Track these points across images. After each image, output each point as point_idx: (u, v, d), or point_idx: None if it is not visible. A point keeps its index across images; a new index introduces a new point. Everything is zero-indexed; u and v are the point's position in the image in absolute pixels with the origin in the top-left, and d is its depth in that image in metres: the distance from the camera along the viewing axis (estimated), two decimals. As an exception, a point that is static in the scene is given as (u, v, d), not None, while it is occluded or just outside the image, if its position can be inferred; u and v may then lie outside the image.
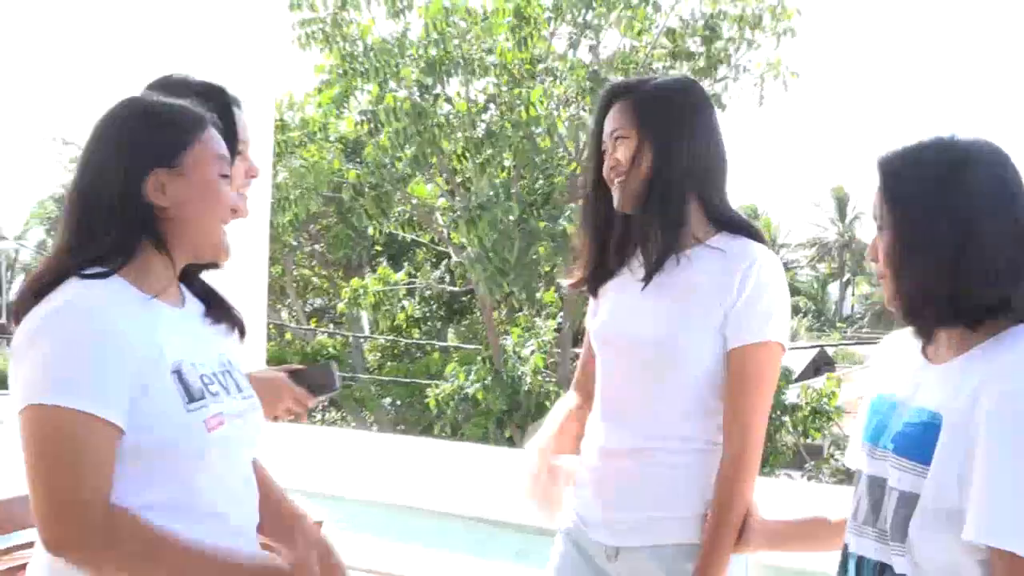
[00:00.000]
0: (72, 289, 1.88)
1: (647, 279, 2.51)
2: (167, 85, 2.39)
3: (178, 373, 1.91)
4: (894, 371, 2.18)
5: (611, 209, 2.58)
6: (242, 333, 2.18)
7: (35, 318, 1.86)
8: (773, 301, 2.48)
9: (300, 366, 2.63)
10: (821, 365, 27.72)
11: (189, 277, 2.10)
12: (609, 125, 2.56)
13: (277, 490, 2.20)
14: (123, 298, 1.91)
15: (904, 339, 2.19)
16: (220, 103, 2.39)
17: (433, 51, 17.48)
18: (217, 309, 2.12)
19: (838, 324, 38.57)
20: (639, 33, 17.93)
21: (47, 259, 1.96)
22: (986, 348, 1.99)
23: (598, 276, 2.67)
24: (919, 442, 2.01)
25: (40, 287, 1.90)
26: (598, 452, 2.60)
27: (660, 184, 2.49)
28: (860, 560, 2.12)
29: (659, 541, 2.51)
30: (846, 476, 18.10)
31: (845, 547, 2.18)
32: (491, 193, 17.06)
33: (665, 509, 2.50)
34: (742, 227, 2.56)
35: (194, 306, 2.09)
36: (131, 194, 1.94)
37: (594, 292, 2.69)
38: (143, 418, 1.85)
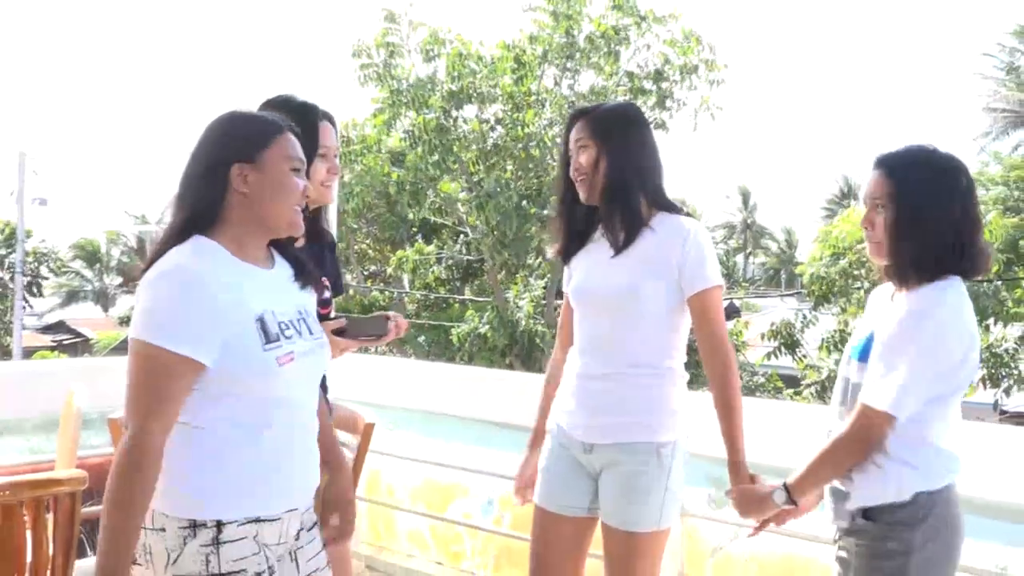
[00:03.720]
0: (183, 254, 1.83)
1: (620, 249, 2.49)
2: (275, 101, 2.40)
3: (260, 320, 1.85)
4: (875, 309, 2.24)
5: (577, 200, 2.56)
6: (329, 290, 2.19)
7: (152, 272, 1.83)
8: (709, 256, 2.48)
9: (362, 316, 2.57)
10: (731, 313, 28.01)
11: (282, 246, 2.02)
12: (573, 137, 2.54)
13: (327, 429, 2.13)
14: (221, 262, 1.85)
15: (883, 290, 2.25)
16: (309, 117, 2.39)
17: (453, 86, 17.67)
18: (302, 273, 2.03)
19: (742, 283, 38.63)
20: (608, 76, 18.04)
21: (164, 232, 1.90)
22: (915, 290, 2.07)
23: (570, 249, 2.63)
24: (865, 350, 2.13)
25: (160, 252, 1.87)
26: (577, 376, 2.57)
27: (615, 182, 2.48)
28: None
29: (624, 439, 2.47)
30: (749, 391, 18.10)
31: (828, 430, 2.22)
32: (496, 187, 17.12)
33: (630, 415, 2.47)
34: (675, 208, 2.54)
35: (283, 268, 2.00)
36: (219, 180, 1.87)
37: (567, 260, 2.65)
38: (231, 354, 1.82)
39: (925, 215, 2.06)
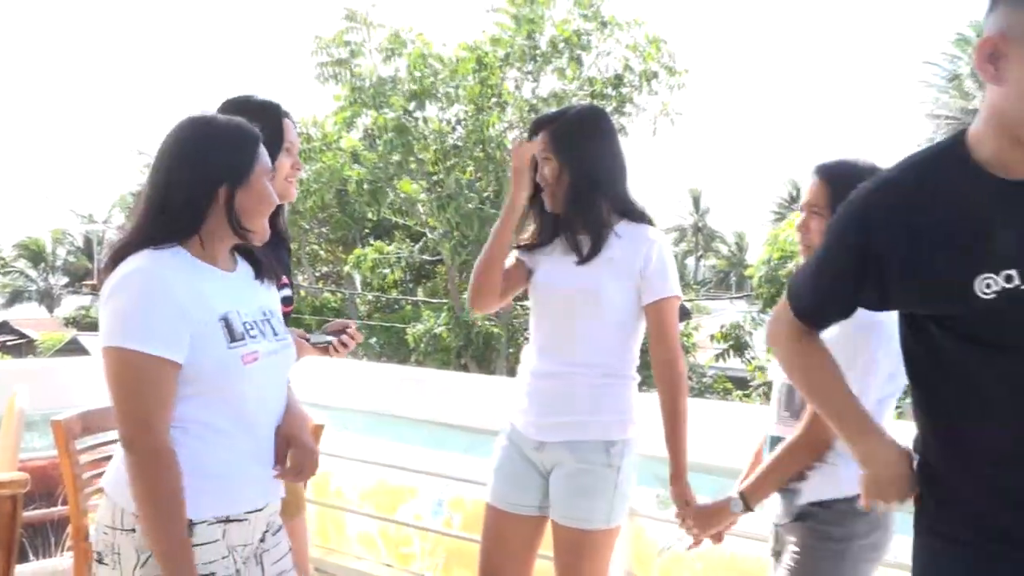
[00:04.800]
0: (144, 257, 1.82)
1: (586, 259, 2.49)
2: (236, 101, 2.40)
3: (225, 320, 1.86)
4: None
5: (543, 207, 2.57)
6: (290, 288, 2.18)
7: (115, 277, 1.83)
8: (670, 266, 2.51)
9: (326, 320, 2.60)
10: (682, 315, 28.11)
11: (242, 249, 2.02)
12: (538, 148, 2.54)
13: (293, 400, 2.12)
14: (183, 265, 1.85)
15: None
16: (275, 115, 2.41)
17: (414, 87, 17.67)
18: (262, 271, 2.03)
19: (693, 285, 38.95)
20: (571, 79, 18.08)
21: (127, 234, 1.88)
22: None
23: (533, 248, 2.64)
24: None
25: (120, 255, 1.86)
26: (531, 374, 2.58)
27: (578, 193, 2.49)
28: (771, 438, 2.24)
29: (575, 438, 2.49)
30: (699, 392, 18.29)
31: (768, 434, 2.27)
32: (457, 188, 17.14)
33: (581, 414, 2.49)
34: (640, 216, 2.55)
35: (245, 270, 2.00)
36: (207, 199, 1.86)
37: (531, 251, 2.65)
38: (198, 353, 1.81)
39: None
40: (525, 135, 2.67)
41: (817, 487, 2.14)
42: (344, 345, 2.53)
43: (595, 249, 2.49)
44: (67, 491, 2.63)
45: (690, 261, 46.01)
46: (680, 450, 2.48)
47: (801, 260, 2.25)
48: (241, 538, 1.89)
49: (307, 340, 2.50)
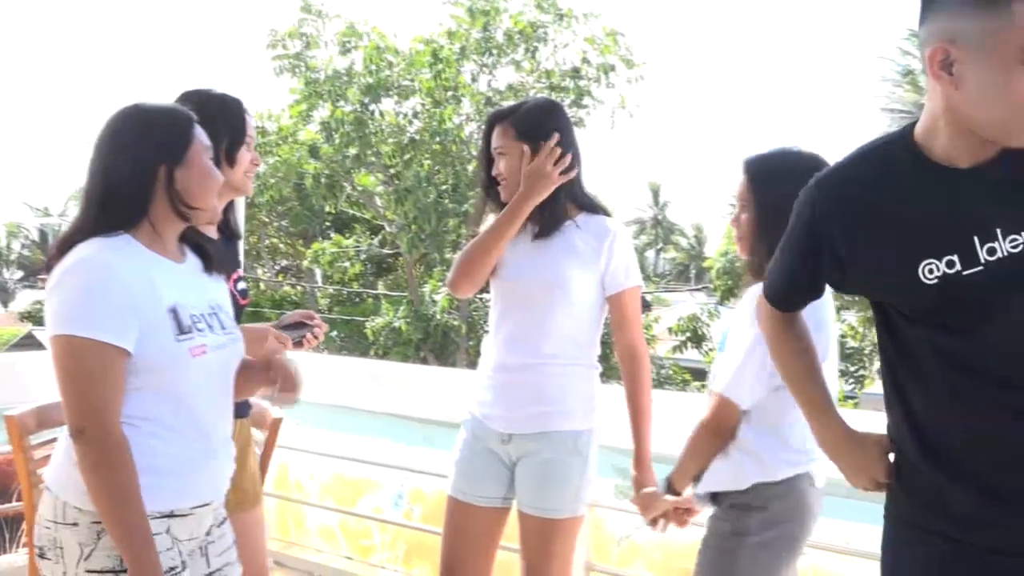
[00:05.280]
0: (91, 246, 1.79)
1: (539, 235, 2.52)
2: (197, 94, 2.36)
3: (173, 312, 1.82)
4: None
5: (500, 200, 2.58)
6: (244, 281, 2.11)
7: (62, 266, 1.79)
8: (631, 258, 2.54)
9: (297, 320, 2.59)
10: (643, 306, 28.32)
11: (192, 239, 1.99)
12: (494, 142, 2.55)
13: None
14: (131, 254, 1.82)
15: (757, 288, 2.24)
16: (236, 108, 2.39)
17: (370, 80, 17.56)
18: (210, 263, 2.00)
19: (653, 278, 39.17)
20: (529, 72, 18.08)
21: (73, 224, 1.85)
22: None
23: None
24: (723, 343, 2.20)
25: (67, 245, 1.82)
26: (494, 368, 2.57)
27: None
28: None
29: (544, 428, 2.50)
30: (658, 383, 18.41)
31: None
32: (415, 182, 17.08)
33: (549, 406, 2.50)
34: (597, 208, 2.57)
35: (194, 261, 1.97)
36: (147, 181, 1.84)
37: None
38: (146, 344, 1.78)
39: (782, 215, 2.00)
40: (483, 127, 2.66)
41: (711, 476, 2.16)
42: (315, 336, 2.54)
43: (550, 228, 2.50)
44: (22, 487, 2.59)
45: (650, 254, 46.22)
46: (644, 438, 2.51)
47: (737, 252, 2.30)
48: (187, 532, 1.87)
49: (280, 329, 2.49)
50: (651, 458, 2.51)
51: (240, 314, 2.43)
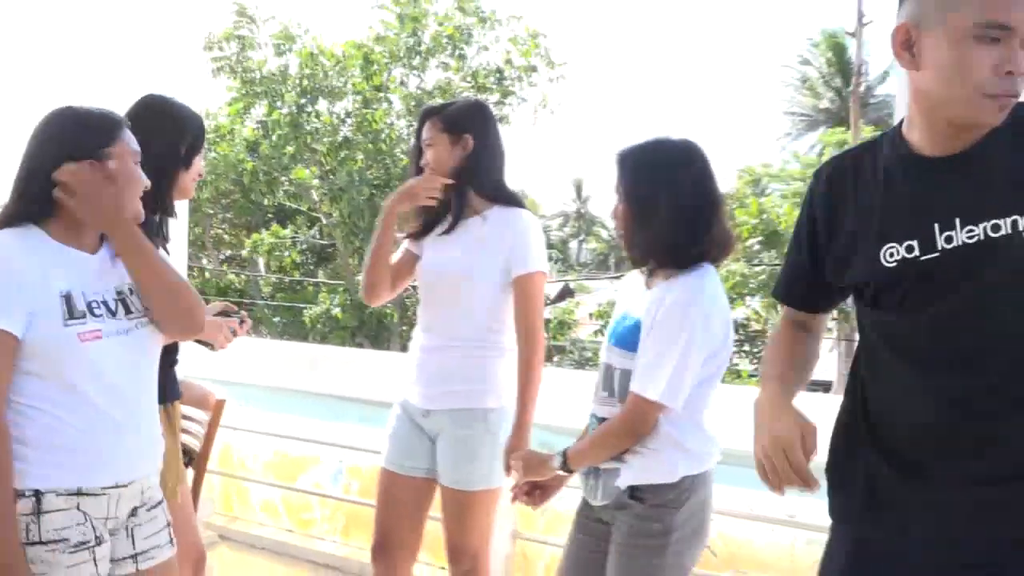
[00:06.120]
0: None
1: (448, 230, 2.56)
2: (156, 102, 2.34)
3: (66, 297, 1.77)
4: (629, 296, 2.20)
5: None
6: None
7: None
8: (536, 243, 2.54)
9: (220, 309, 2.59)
10: (565, 294, 28.54)
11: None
12: (424, 135, 2.57)
13: None
14: (31, 244, 1.78)
15: (635, 275, 2.21)
16: (197, 121, 2.39)
17: (305, 82, 17.34)
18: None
19: (576, 267, 39.45)
20: (456, 71, 18.04)
21: None
22: (672, 280, 2.04)
23: (420, 233, 2.67)
24: (630, 338, 2.07)
25: None
26: (420, 349, 2.61)
27: (456, 177, 2.53)
28: (596, 418, 2.15)
29: (455, 406, 2.53)
30: (579, 364, 18.57)
31: (593, 414, 2.19)
32: (348, 180, 16.90)
33: (461, 384, 2.53)
34: (512, 200, 2.59)
35: (108, 251, 1.90)
36: None
37: (417, 239, 2.67)
38: (35, 329, 1.73)
39: (652, 204, 2.02)
40: (413, 125, 2.67)
41: (636, 470, 2.04)
42: (244, 321, 2.57)
43: (456, 222, 2.53)
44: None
45: (573, 245, 46.49)
46: (527, 408, 2.48)
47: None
48: (100, 511, 1.82)
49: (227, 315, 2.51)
50: (530, 429, 2.48)
51: None
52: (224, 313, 2.58)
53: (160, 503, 1.97)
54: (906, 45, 1.43)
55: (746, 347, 18.58)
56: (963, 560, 1.45)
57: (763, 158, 31.04)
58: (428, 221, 2.64)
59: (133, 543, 1.89)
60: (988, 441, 1.42)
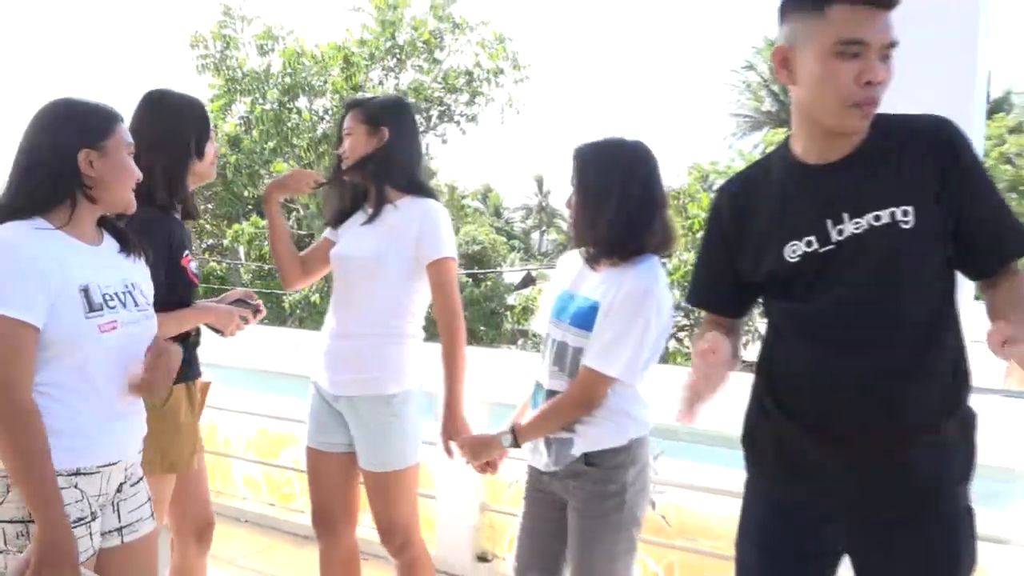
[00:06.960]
0: (5, 228, 1.71)
1: (366, 222, 2.51)
2: (162, 94, 2.35)
3: (85, 290, 1.75)
4: (568, 275, 2.23)
5: (341, 174, 2.57)
6: (146, 258, 1.99)
7: None
8: (444, 231, 2.49)
9: (239, 297, 2.57)
10: (528, 281, 28.67)
11: (109, 223, 1.92)
12: (345, 125, 2.54)
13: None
14: (45, 236, 1.75)
15: (573, 256, 2.24)
16: (201, 109, 2.40)
17: (287, 80, 17.08)
18: (127, 245, 1.93)
19: (538, 256, 39.48)
20: (427, 72, 17.97)
21: None
22: (624, 267, 2.08)
23: (339, 218, 2.62)
24: (586, 319, 2.10)
25: None
26: (329, 335, 2.55)
27: (371, 166, 2.48)
28: (546, 391, 2.18)
29: (359, 393, 2.48)
30: (536, 347, 18.59)
31: (537, 383, 2.22)
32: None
33: (364, 372, 2.47)
34: (422, 190, 2.52)
35: (111, 244, 1.90)
36: (65, 165, 1.76)
37: (335, 226, 2.64)
38: (57, 320, 1.72)
39: (605, 197, 2.06)
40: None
41: (590, 438, 2.10)
42: (259, 311, 2.55)
43: (375, 214, 2.49)
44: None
45: (535, 236, 46.54)
46: (454, 390, 2.42)
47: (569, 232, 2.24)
48: (95, 488, 1.81)
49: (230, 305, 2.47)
50: (460, 410, 2.43)
51: (192, 292, 2.38)
52: (242, 301, 2.54)
53: (141, 479, 1.97)
54: (784, 63, 1.54)
55: (696, 329, 18.69)
56: (886, 516, 1.57)
57: (712, 156, 31.34)
58: (343, 210, 2.60)
59: (119, 516, 1.89)
60: (895, 409, 1.51)
